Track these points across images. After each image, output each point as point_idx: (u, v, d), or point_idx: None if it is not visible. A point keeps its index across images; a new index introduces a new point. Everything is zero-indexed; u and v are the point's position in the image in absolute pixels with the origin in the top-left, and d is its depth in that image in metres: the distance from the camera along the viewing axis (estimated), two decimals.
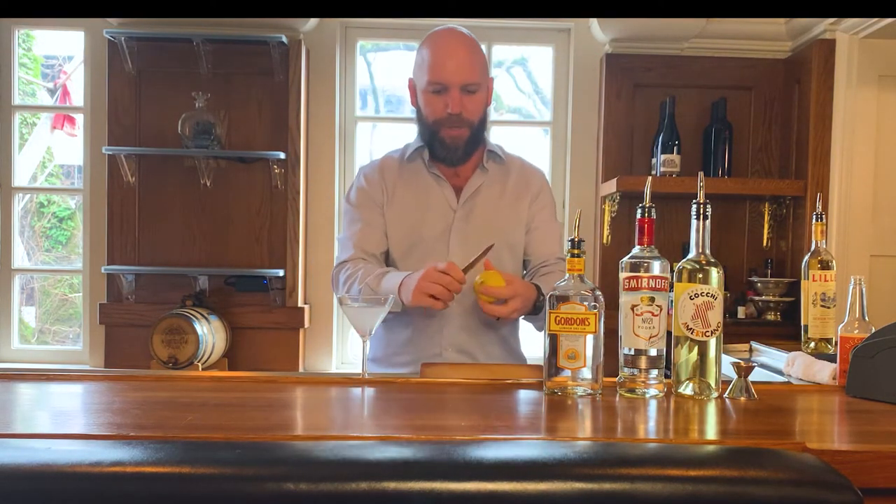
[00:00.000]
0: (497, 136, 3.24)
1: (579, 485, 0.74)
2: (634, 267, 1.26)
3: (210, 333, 2.84)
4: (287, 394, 1.30)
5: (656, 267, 1.25)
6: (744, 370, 1.27)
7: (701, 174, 1.30)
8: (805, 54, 2.93)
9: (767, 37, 3.04)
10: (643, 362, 1.25)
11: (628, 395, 1.26)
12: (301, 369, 3.07)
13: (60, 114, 3.34)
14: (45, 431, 1.02)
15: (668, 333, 1.27)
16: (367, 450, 0.79)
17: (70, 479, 0.74)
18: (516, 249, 1.85)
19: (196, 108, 2.93)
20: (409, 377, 1.51)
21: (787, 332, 2.59)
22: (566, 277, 1.27)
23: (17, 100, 3.17)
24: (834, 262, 1.74)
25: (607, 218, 3.01)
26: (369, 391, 1.32)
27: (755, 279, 2.98)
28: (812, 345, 1.74)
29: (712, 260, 1.26)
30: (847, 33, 2.79)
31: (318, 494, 0.72)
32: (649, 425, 1.12)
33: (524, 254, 1.88)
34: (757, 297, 2.96)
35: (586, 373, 1.24)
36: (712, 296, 1.24)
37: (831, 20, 2.78)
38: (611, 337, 1.26)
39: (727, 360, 1.51)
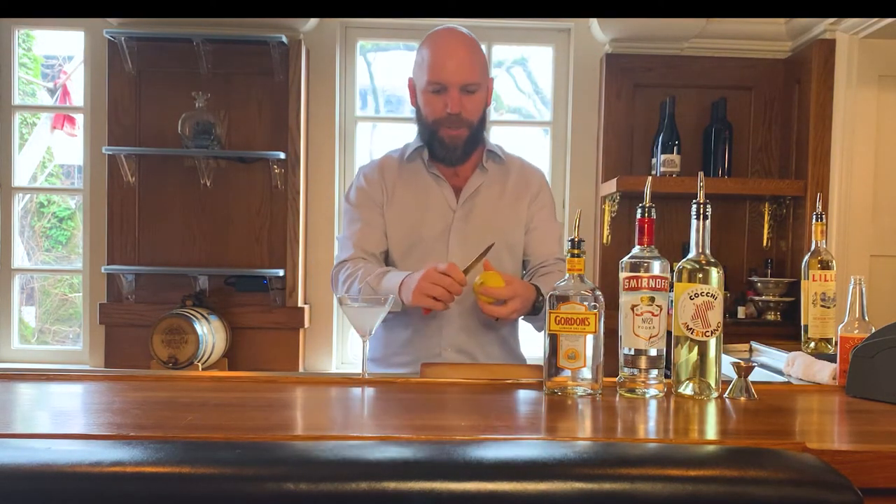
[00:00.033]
0: (497, 136, 3.24)
1: (579, 485, 0.74)
2: (634, 267, 1.26)
3: (210, 333, 2.84)
4: (287, 394, 1.30)
5: (656, 267, 1.25)
6: (744, 370, 1.27)
7: (701, 174, 1.30)
8: (805, 54, 2.93)
9: (767, 37, 3.04)
10: (643, 362, 1.25)
11: (628, 395, 1.26)
12: (301, 369, 3.07)
13: (60, 114, 3.34)
14: (45, 431, 1.02)
15: (668, 333, 1.27)
16: (367, 450, 0.79)
17: (70, 479, 0.74)
18: (515, 249, 1.85)
19: (196, 108, 2.93)
20: (409, 377, 1.51)
21: (787, 332, 2.59)
22: (566, 277, 1.27)
23: (17, 100, 3.17)
24: (834, 262, 1.74)
25: (607, 218, 3.01)
26: (369, 391, 1.32)
27: (755, 279, 2.98)
28: (812, 345, 1.74)
29: (712, 260, 1.26)
30: (847, 33, 2.79)
31: (318, 494, 0.72)
32: (649, 425, 1.12)
33: (523, 254, 1.88)
34: (757, 297, 2.96)
35: (586, 373, 1.24)
36: (712, 296, 1.23)
37: (831, 20, 2.78)
38: (611, 337, 1.26)
39: (727, 360, 1.51)
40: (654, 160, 2.97)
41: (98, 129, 3.06)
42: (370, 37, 3.24)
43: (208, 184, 3.04)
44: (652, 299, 1.24)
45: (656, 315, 1.24)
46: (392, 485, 0.73)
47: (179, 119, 2.93)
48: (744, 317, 2.96)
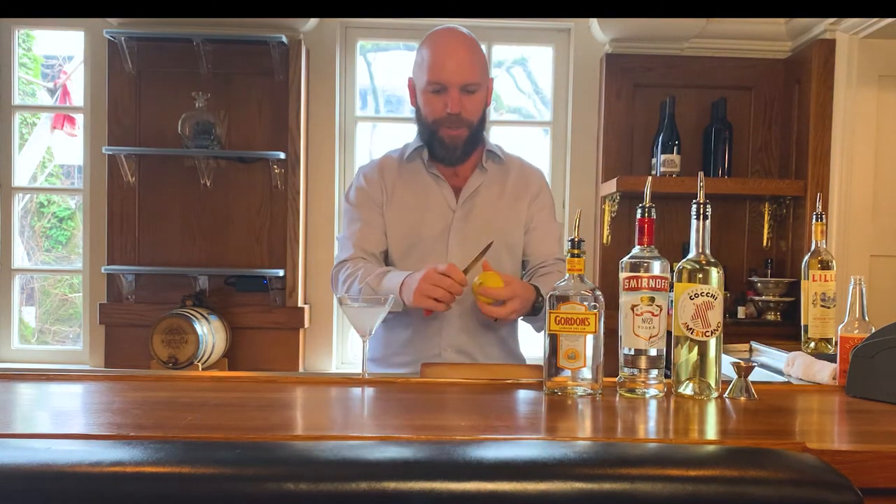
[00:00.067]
0: (497, 136, 3.24)
1: (579, 485, 0.74)
2: (634, 267, 1.26)
3: (210, 333, 2.84)
4: (287, 394, 1.30)
5: (656, 267, 1.25)
6: (744, 370, 1.27)
7: (701, 174, 1.30)
8: (805, 54, 2.93)
9: (767, 37, 3.04)
10: (643, 362, 1.25)
11: (628, 395, 1.26)
12: (301, 369, 3.07)
13: (60, 114, 3.34)
14: (45, 431, 1.02)
15: (668, 333, 1.27)
16: (367, 450, 0.79)
17: (70, 479, 0.74)
18: (515, 250, 1.85)
19: (196, 108, 2.93)
20: (409, 377, 1.51)
21: (787, 332, 2.59)
22: (566, 277, 1.27)
23: (17, 100, 3.17)
24: (834, 262, 1.74)
25: (607, 218, 3.01)
26: (369, 391, 1.32)
27: (755, 279, 2.98)
28: (812, 345, 1.74)
29: (712, 260, 1.26)
30: (847, 33, 2.79)
31: (318, 494, 0.72)
32: (649, 425, 1.12)
33: (523, 254, 1.88)
34: (757, 297, 2.96)
35: (586, 373, 1.24)
36: (712, 296, 1.23)
37: (831, 20, 2.78)
38: (611, 337, 1.26)
39: (727, 360, 1.51)
40: (654, 160, 2.97)
41: (98, 129, 3.06)
42: (370, 37, 3.24)
43: (208, 184, 3.04)
44: (652, 299, 1.24)
45: (656, 315, 1.24)
46: (392, 485, 0.73)
47: (179, 119, 2.93)
48: (744, 317, 2.96)
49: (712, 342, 1.24)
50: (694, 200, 1.28)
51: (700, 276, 1.25)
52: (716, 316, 1.24)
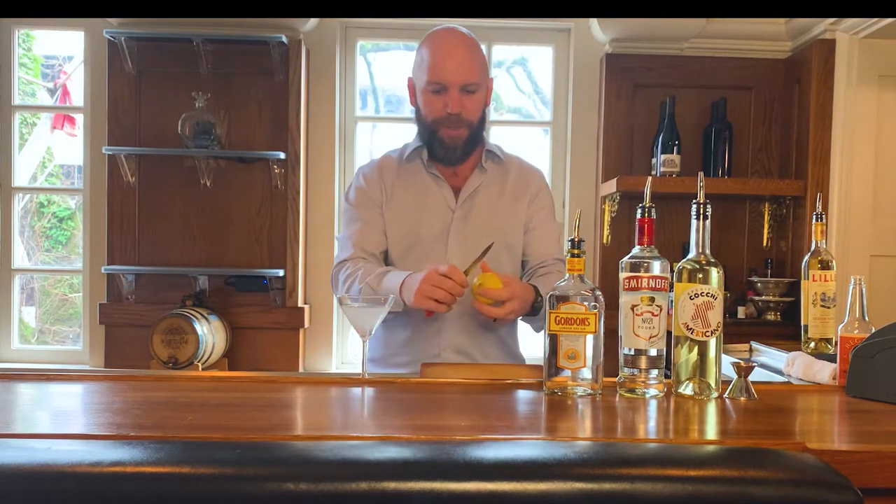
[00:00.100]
0: (497, 136, 3.24)
1: (579, 485, 0.74)
2: (634, 267, 1.26)
3: (210, 333, 2.84)
4: (287, 394, 1.30)
5: (656, 267, 1.25)
6: (744, 370, 1.27)
7: (701, 174, 1.30)
8: (805, 54, 2.93)
9: (767, 37, 3.04)
10: (643, 362, 1.25)
11: (628, 395, 1.26)
12: (301, 369, 3.07)
13: (60, 114, 3.34)
14: (45, 431, 1.02)
15: (668, 333, 1.27)
16: (367, 450, 0.79)
17: (70, 479, 0.74)
18: (515, 250, 1.85)
19: (196, 108, 2.93)
20: (409, 377, 1.51)
21: (787, 332, 2.59)
22: (566, 277, 1.27)
23: (17, 100, 3.17)
24: (834, 262, 1.74)
25: (607, 218, 3.01)
26: (369, 391, 1.32)
27: (755, 279, 2.98)
28: (812, 345, 1.74)
29: (712, 260, 1.26)
30: (847, 33, 2.79)
31: (318, 494, 0.72)
32: (649, 425, 1.12)
33: (522, 254, 1.88)
34: (757, 297, 2.96)
35: (586, 373, 1.24)
36: (712, 296, 1.24)
37: (831, 20, 2.78)
38: (611, 337, 1.26)
39: (727, 360, 1.51)
40: (654, 160, 2.97)
41: (98, 129, 3.06)
42: (370, 37, 3.24)
43: (208, 184, 3.04)
44: (652, 299, 1.24)
45: (656, 315, 1.24)
46: (392, 485, 0.73)
47: (179, 119, 2.93)
48: (744, 317, 2.96)
49: (712, 342, 1.24)
50: (694, 200, 1.28)
51: (700, 276, 1.25)
52: (716, 316, 1.24)
